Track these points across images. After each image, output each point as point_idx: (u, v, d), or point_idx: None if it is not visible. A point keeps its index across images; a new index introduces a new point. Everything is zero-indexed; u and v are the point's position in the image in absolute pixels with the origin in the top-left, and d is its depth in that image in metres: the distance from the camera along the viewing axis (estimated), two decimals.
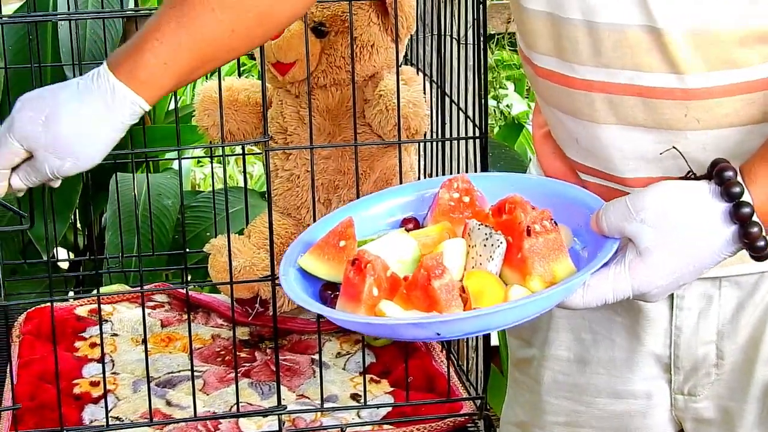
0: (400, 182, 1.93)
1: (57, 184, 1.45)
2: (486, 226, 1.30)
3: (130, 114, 1.39)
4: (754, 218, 1.21)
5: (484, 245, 1.29)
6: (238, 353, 2.08)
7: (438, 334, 1.26)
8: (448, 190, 1.38)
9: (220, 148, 2.33)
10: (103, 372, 1.86)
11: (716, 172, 1.23)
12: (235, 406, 1.88)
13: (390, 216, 1.43)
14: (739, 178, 1.22)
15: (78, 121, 1.38)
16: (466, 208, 1.37)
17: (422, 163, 2.20)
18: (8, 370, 2.04)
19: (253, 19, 1.42)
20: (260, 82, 1.95)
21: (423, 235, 1.35)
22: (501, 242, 1.28)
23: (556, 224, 1.29)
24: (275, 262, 1.77)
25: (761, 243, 1.21)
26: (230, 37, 1.41)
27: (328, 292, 1.32)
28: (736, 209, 1.21)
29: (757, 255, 1.22)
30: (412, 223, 1.40)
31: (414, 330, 1.25)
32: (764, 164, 1.24)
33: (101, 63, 1.39)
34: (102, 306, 2.26)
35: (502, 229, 1.30)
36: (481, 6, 1.80)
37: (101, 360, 2.06)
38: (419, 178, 2.20)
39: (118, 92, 1.37)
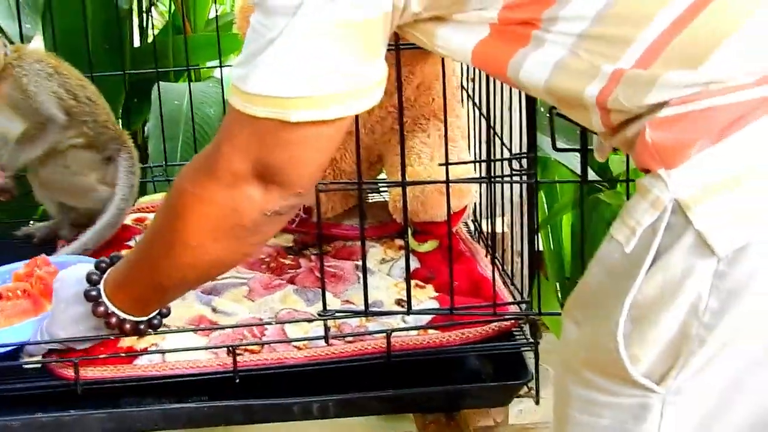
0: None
1: None
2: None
3: None
4: (101, 300, 1.61)
5: None
6: (282, 260, 2.08)
7: None
8: (27, 266, 1.93)
9: None
10: None
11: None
12: (281, 312, 1.89)
13: None
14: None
15: None
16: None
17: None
18: None
19: None
20: None
21: None
22: None
23: (30, 296, 1.85)
24: None
25: (111, 320, 1.62)
26: None
27: None
28: (87, 293, 1.63)
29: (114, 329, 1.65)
30: None
31: None
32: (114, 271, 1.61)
33: None
34: (147, 214, 2.27)
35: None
36: None
37: None
38: (474, 209, 2.23)
39: None
